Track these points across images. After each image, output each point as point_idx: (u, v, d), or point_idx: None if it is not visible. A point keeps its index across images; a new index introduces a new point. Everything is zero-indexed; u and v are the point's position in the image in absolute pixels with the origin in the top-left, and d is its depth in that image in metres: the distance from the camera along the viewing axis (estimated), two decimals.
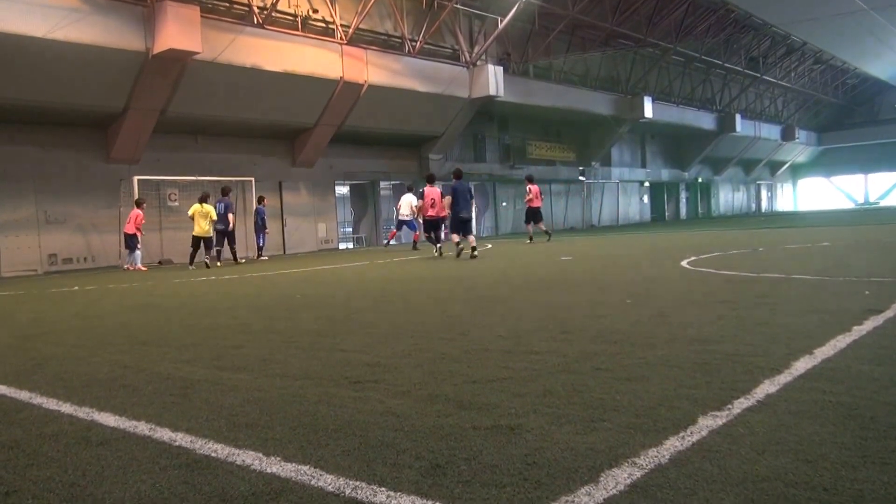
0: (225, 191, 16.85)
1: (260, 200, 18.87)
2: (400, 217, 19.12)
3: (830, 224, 21.01)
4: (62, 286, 11.76)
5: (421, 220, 16.57)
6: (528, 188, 18.71)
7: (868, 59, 43.89)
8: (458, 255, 13.57)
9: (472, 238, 13.64)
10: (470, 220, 14.15)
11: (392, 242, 21.65)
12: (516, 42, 27.33)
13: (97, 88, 16.20)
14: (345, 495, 1.98)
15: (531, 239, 18.58)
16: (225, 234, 16.38)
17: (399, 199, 19.47)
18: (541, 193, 18.94)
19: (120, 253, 17.87)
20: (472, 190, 14.62)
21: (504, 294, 7.05)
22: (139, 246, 16.48)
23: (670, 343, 3.88)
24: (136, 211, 16.41)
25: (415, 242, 19.09)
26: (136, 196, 17.33)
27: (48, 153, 17.20)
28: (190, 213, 15.78)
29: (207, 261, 15.60)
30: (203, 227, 15.54)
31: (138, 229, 16.29)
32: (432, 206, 14.69)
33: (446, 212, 14.69)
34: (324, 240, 23.61)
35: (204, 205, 15.66)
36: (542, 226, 18.96)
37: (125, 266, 16.57)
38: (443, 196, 15.07)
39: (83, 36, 15.10)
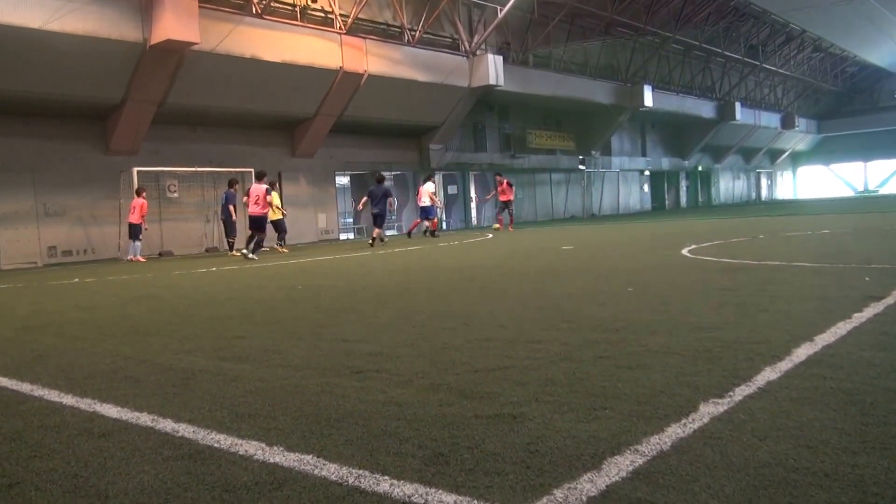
0: (231, 183, 16.98)
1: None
2: (420, 205, 19.87)
3: (830, 212, 20.99)
4: (62, 278, 11.76)
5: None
6: (419, 189, 20.67)
7: (867, 47, 43.72)
8: (372, 244, 16.19)
9: (376, 230, 16.66)
10: (379, 215, 16.76)
11: (414, 232, 21.28)
12: (516, 31, 27.22)
13: (95, 80, 16.14)
14: (348, 484, 1.99)
15: (433, 234, 19.91)
16: (227, 224, 16.71)
17: (418, 189, 20.40)
18: (431, 194, 19.73)
19: (119, 245, 17.88)
20: (389, 191, 17.41)
21: (505, 283, 7.05)
22: (141, 237, 16.52)
23: (671, 331, 3.89)
24: (140, 200, 16.42)
25: (430, 230, 19.87)
26: (136, 188, 17.32)
27: (46, 145, 17.16)
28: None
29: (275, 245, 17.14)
30: (272, 213, 16.36)
31: (143, 218, 16.34)
32: (256, 202, 14.20)
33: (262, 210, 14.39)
34: (324, 230, 23.60)
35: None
36: (429, 224, 19.88)
37: (128, 258, 16.59)
38: (268, 193, 14.80)
39: (80, 27, 15.03)
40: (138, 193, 16.58)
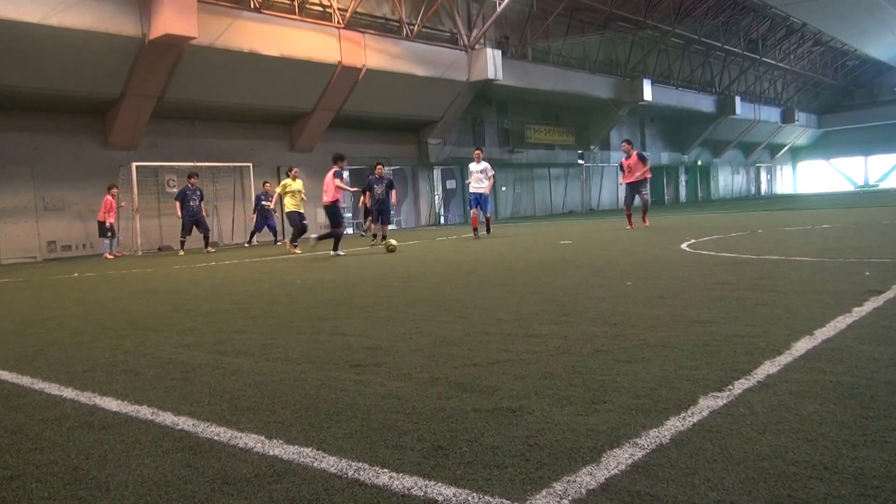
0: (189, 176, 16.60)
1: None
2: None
3: (830, 206, 20.99)
4: (62, 273, 11.76)
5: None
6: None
7: (868, 41, 43.67)
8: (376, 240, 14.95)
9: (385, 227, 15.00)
10: (381, 211, 14.92)
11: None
12: (514, 25, 27.16)
13: (94, 74, 16.11)
14: (347, 477, 1.99)
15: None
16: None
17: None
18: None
19: (119, 240, 17.88)
20: (387, 183, 15.06)
21: (504, 278, 7.05)
22: (109, 234, 16.21)
23: (671, 325, 3.88)
24: (106, 196, 16.17)
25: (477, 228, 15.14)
26: (135, 183, 17.28)
27: (45, 140, 17.15)
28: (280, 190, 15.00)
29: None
30: (288, 203, 14.71)
31: (107, 214, 16.00)
32: (325, 191, 11.83)
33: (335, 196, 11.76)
34: (324, 225, 23.56)
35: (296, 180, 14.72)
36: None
37: (107, 254, 16.31)
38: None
39: (79, 22, 15.00)
40: (108, 190, 16.27)
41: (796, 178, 58.57)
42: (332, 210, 11.75)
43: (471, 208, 15.25)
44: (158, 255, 17.13)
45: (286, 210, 14.91)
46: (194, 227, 16.14)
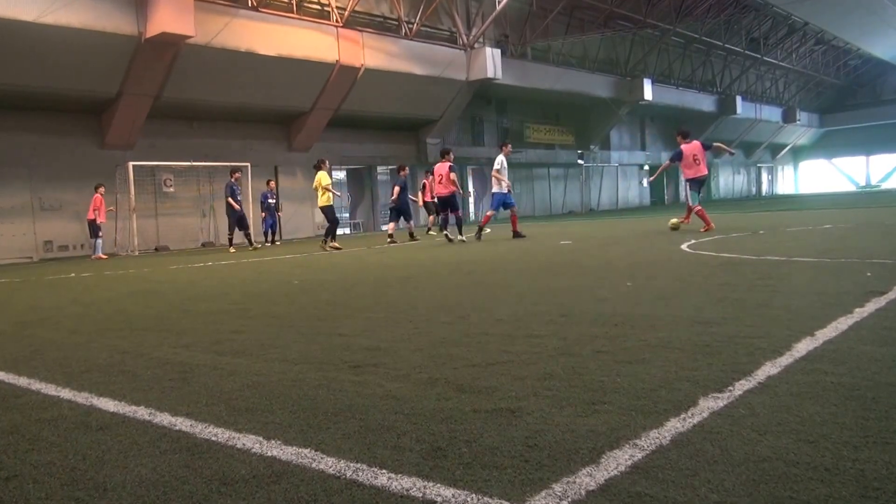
0: (231, 172, 16.64)
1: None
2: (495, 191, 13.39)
3: (832, 206, 20.99)
4: (58, 273, 11.75)
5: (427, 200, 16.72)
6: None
7: (870, 40, 43.67)
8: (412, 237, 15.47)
9: (407, 224, 15.72)
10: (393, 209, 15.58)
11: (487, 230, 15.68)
12: (514, 24, 27.15)
13: (90, 73, 16.09)
14: (346, 477, 1.98)
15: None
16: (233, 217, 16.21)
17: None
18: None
19: (116, 240, 17.87)
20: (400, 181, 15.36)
21: (503, 278, 7.04)
22: (101, 234, 16.19)
23: (671, 325, 3.87)
24: (95, 195, 16.13)
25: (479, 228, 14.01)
26: (132, 182, 17.23)
27: (42, 139, 17.13)
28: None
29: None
30: (321, 198, 13.87)
31: (97, 212, 15.96)
32: (440, 182, 13.75)
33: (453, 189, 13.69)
34: (321, 225, 23.54)
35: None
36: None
37: (92, 256, 16.28)
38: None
39: (74, 20, 14.98)
40: (96, 189, 16.24)
41: (798, 178, 58.56)
42: (451, 200, 13.72)
43: (496, 209, 13.67)
44: (155, 255, 17.11)
45: (327, 205, 13.79)
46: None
